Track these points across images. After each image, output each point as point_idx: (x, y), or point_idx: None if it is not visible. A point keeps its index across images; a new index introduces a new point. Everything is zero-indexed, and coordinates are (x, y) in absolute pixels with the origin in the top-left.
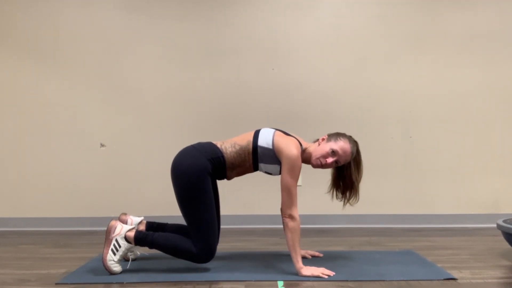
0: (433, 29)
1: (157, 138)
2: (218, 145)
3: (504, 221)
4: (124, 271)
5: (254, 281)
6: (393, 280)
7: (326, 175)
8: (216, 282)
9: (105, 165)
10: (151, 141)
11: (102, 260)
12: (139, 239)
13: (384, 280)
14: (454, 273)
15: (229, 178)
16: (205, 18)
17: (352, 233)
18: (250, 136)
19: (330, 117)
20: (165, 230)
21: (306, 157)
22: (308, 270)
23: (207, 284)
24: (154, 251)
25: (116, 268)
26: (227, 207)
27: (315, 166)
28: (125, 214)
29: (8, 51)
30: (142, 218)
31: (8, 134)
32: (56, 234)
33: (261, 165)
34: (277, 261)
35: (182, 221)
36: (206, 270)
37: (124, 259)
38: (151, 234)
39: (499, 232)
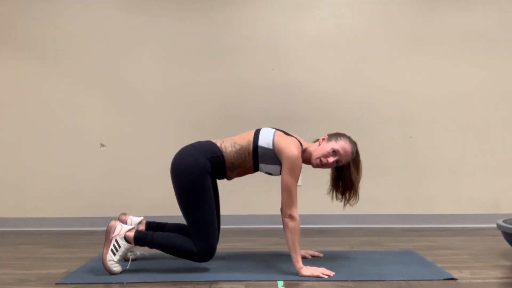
0: (433, 29)
1: (157, 138)
2: (218, 144)
3: (504, 221)
4: (124, 271)
5: (254, 281)
6: (393, 280)
7: (326, 175)
8: (216, 282)
9: (105, 165)
10: (151, 141)
11: (102, 260)
12: (139, 239)
13: (384, 280)
14: (454, 273)
15: (229, 178)
16: (205, 18)
17: (352, 233)
18: (250, 136)
19: (330, 117)
20: (164, 229)
21: (306, 157)
22: (308, 270)
23: (207, 284)
24: (154, 251)
25: (116, 268)
26: (227, 207)
27: (315, 166)
28: (125, 214)
29: (8, 51)
30: (141, 218)
31: (8, 134)
32: (56, 234)
33: (261, 165)
34: (277, 261)
35: (182, 221)
36: (206, 270)
37: (124, 259)
38: (150, 234)
39: (499, 232)
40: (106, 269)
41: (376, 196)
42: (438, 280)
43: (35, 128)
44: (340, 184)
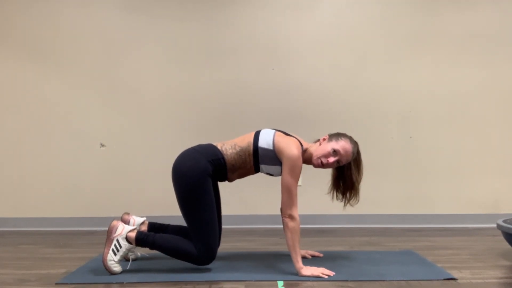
0: (433, 29)
1: (157, 138)
2: (219, 147)
3: (504, 221)
4: (124, 271)
5: (254, 281)
6: (393, 280)
7: (326, 175)
8: (216, 282)
9: (105, 165)
10: (151, 141)
11: (102, 260)
12: (140, 240)
13: (384, 280)
14: (454, 273)
15: (230, 180)
16: (205, 18)
17: (352, 233)
18: (250, 138)
19: (330, 117)
20: (167, 231)
21: (307, 157)
22: (308, 270)
23: (207, 284)
24: (155, 252)
25: (116, 268)
26: (228, 207)
27: (316, 166)
28: (128, 213)
29: (8, 51)
30: (144, 218)
31: (8, 134)
32: (56, 234)
33: (262, 166)
34: (277, 261)
35: (183, 222)
36: (206, 270)
37: (124, 259)
38: (152, 235)
39: (499, 232)
40: (106, 269)
41: (376, 196)
42: (438, 280)
43: (35, 128)
44: (341, 184)
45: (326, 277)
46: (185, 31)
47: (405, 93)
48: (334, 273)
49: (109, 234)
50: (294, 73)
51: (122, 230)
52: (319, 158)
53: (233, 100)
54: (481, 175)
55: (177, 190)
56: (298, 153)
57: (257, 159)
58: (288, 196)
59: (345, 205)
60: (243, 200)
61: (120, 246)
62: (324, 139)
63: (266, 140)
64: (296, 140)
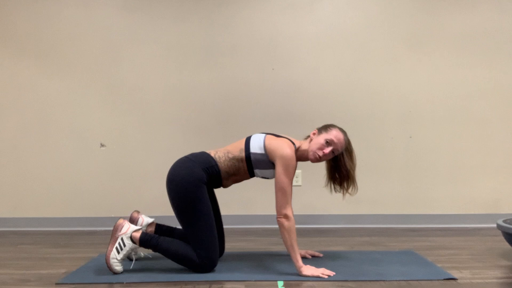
0: (433, 29)
1: (157, 138)
2: (212, 154)
3: (504, 221)
4: (124, 271)
5: (254, 281)
6: (393, 280)
7: (327, 175)
8: (216, 282)
9: (105, 165)
10: (151, 141)
11: (105, 257)
12: (144, 241)
13: (384, 280)
14: (454, 273)
15: (225, 186)
16: (205, 18)
17: (352, 233)
18: (241, 144)
19: (330, 117)
20: (172, 235)
21: (301, 155)
22: (308, 270)
23: (207, 284)
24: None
25: (118, 267)
26: (227, 208)
27: (314, 160)
28: (138, 212)
29: (8, 51)
30: (153, 219)
31: (8, 134)
32: (56, 234)
33: (256, 171)
34: (277, 261)
35: None
36: None
37: (128, 258)
38: (156, 238)
39: (499, 232)
40: (108, 267)
41: (376, 196)
42: (438, 280)
43: (35, 128)
44: (337, 175)
45: (326, 277)
46: (185, 31)
47: (405, 93)
48: (334, 273)
49: (114, 232)
50: (294, 73)
51: (128, 229)
52: (314, 152)
53: (233, 100)
54: (481, 175)
55: (173, 200)
56: (291, 152)
57: (251, 165)
58: (283, 196)
59: (344, 195)
60: (243, 200)
61: (124, 245)
62: (314, 134)
63: (257, 145)
64: (287, 140)
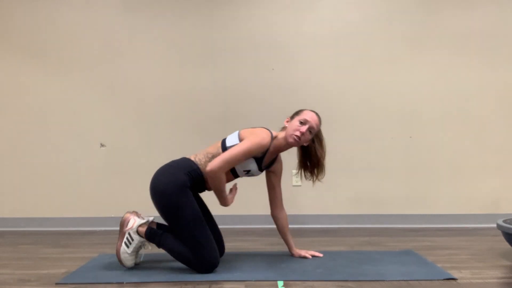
0: (433, 29)
1: (157, 138)
2: (192, 158)
3: (504, 221)
4: (124, 271)
5: (254, 281)
6: (393, 280)
7: (327, 175)
8: (216, 282)
9: (105, 165)
10: (151, 141)
11: (116, 252)
12: (149, 236)
13: (384, 280)
14: (454, 273)
15: (210, 189)
16: (205, 18)
17: (352, 233)
18: (219, 143)
19: (330, 116)
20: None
21: (280, 143)
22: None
23: (207, 284)
24: (158, 251)
25: (129, 262)
26: (227, 207)
27: (294, 143)
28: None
29: (8, 51)
30: (152, 218)
31: (8, 134)
32: (56, 234)
33: (236, 167)
34: (277, 261)
35: None
36: None
37: (137, 251)
38: (160, 234)
39: (499, 232)
40: (120, 261)
41: (376, 196)
42: (438, 280)
43: (35, 128)
44: (308, 163)
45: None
46: (185, 31)
47: (405, 92)
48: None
49: (121, 227)
50: (294, 73)
51: (133, 224)
52: (292, 134)
53: (233, 100)
54: (481, 175)
55: (160, 210)
56: (265, 134)
57: None
58: (226, 153)
59: (314, 182)
60: (242, 200)
61: (132, 239)
62: (287, 121)
63: (233, 138)
64: (264, 128)
